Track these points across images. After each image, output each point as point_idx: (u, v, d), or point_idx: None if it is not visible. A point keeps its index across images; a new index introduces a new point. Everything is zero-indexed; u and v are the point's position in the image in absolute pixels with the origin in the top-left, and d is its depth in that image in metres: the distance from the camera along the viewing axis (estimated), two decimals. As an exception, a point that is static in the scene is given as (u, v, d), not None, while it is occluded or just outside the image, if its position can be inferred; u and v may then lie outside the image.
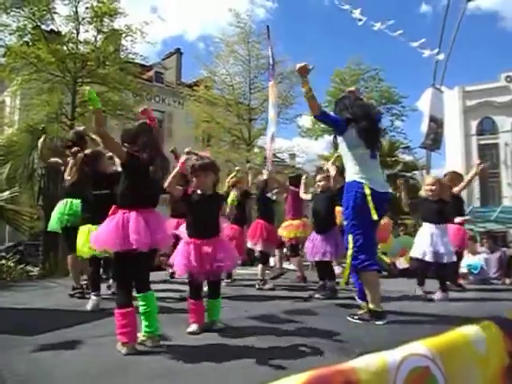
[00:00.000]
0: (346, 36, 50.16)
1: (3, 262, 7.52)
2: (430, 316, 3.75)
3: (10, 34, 15.59)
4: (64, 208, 4.55)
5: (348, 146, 3.75)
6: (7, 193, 7.39)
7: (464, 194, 7.44)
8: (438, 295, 4.80)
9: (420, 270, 5.08)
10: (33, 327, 3.12)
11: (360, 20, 8.81)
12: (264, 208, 6.04)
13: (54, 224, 4.61)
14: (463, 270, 7.03)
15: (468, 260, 7.17)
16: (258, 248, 5.86)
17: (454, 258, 4.95)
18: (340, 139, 3.83)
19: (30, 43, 15.72)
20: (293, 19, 57.01)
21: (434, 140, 11.86)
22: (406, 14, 56.79)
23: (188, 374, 2.20)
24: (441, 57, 10.45)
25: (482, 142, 34.04)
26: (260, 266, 5.84)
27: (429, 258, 4.82)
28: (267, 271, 6.19)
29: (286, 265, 8.07)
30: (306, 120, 23.58)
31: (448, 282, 5.58)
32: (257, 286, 5.67)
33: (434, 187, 5.01)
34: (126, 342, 2.51)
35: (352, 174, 3.70)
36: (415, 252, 5.03)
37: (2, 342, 2.72)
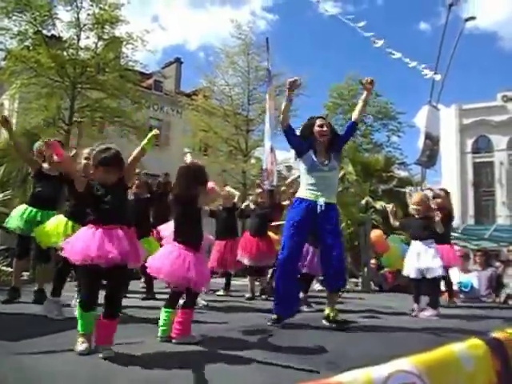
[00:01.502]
0: (344, 50, 50.87)
1: (-5, 265, 7.45)
2: (419, 332, 3.74)
3: (11, 38, 15.67)
4: (24, 213, 4.41)
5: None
6: (0, 195, 7.36)
7: (458, 212, 7.46)
8: (426, 313, 4.81)
9: (413, 287, 5.10)
10: (21, 332, 3.07)
11: (368, 35, 8.86)
12: (252, 221, 6.08)
13: (12, 222, 4.46)
14: (454, 287, 7.04)
15: (459, 278, 7.17)
16: (246, 262, 5.87)
17: (442, 272, 4.96)
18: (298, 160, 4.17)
19: (31, 48, 15.78)
20: (292, 31, 57.68)
21: (430, 157, 11.94)
22: (405, 30, 57.54)
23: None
24: (438, 77, 10.54)
25: (478, 160, 34.30)
26: (248, 277, 5.90)
27: (414, 274, 4.88)
28: (256, 283, 6.18)
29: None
30: (304, 133, 23.67)
31: (447, 299, 5.60)
32: (246, 296, 5.70)
33: (419, 207, 5.05)
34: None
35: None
36: (405, 270, 5.11)
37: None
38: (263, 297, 5.71)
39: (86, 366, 2.37)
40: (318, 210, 3.82)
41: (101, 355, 2.50)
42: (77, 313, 2.67)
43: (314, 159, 3.97)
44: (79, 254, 2.56)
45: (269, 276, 6.00)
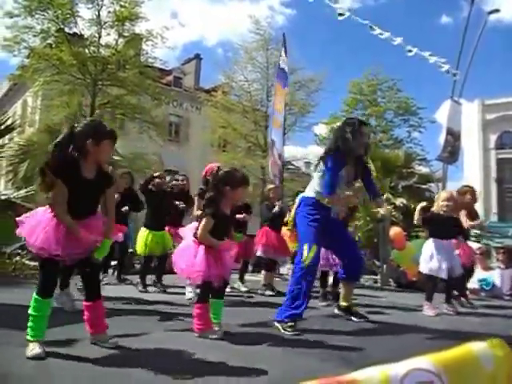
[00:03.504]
0: (364, 45, 50.33)
1: (17, 258, 7.61)
2: (437, 331, 3.69)
3: (34, 36, 15.94)
4: None
5: None
6: (23, 191, 7.51)
7: (481, 209, 7.34)
8: (445, 309, 4.76)
9: (430, 285, 5.00)
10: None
11: (381, 34, 8.77)
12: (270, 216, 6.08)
13: None
14: (474, 285, 6.92)
15: (480, 275, 7.04)
16: (259, 254, 5.88)
17: (461, 271, 4.90)
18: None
19: (53, 45, 16.03)
20: (311, 26, 57.24)
21: (451, 153, 11.72)
22: (426, 24, 56.61)
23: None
24: (457, 76, 10.34)
25: (501, 156, 33.54)
26: (263, 272, 5.92)
27: (440, 273, 4.76)
28: (276, 279, 6.20)
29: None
30: (322, 128, 23.57)
31: (462, 298, 5.50)
32: (259, 292, 5.71)
33: (449, 203, 4.95)
34: None
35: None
36: (424, 267, 4.97)
37: (7, 338, 2.74)
38: (270, 293, 5.68)
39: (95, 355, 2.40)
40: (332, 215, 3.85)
41: (107, 344, 2.55)
42: (31, 311, 2.46)
43: (343, 175, 3.73)
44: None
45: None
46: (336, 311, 4.11)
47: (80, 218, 2.52)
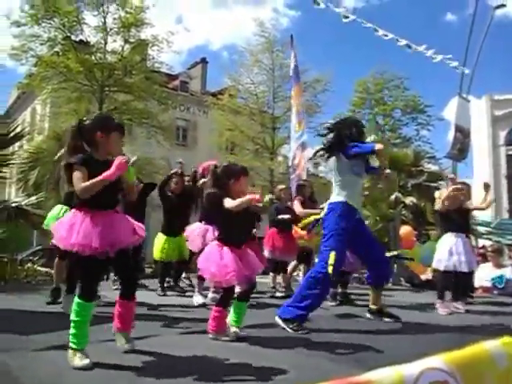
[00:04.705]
0: (369, 44, 50.09)
1: (29, 265, 7.69)
2: (450, 329, 3.66)
3: (41, 45, 16.09)
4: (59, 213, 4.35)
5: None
6: (34, 198, 7.58)
7: (492, 206, 7.28)
8: (458, 305, 4.72)
9: (443, 283, 4.96)
10: (49, 329, 3.15)
11: (386, 36, 8.76)
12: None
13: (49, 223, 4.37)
14: (487, 283, 6.86)
15: (492, 273, 6.98)
16: (266, 255, 5.87)
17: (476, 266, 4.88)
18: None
19: (60, 53, 16.17)
20: (315, 27, 57.08)
21: (461, 150, 11.66)
22: (431, 22, 56.22)
23: (194, 381, 2.19)
24: (466, 71, 10.28)
25: (511, 153, 33.22)
26: (271, 274, 5.92)
27: (462, 267, 4.71)
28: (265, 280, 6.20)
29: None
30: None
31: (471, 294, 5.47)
32: (269, 294, 5.73)
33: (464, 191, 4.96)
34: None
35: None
36: (441, 264, 4.90)
37: (19, 343, 2.77)
38: (280, 294, 5.66)
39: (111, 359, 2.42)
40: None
41: (126, 346, 2.58)
42: (74, 316, 2.40)
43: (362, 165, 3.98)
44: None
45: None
46: (368, 316, 4.08)
47: (104, 207, 2.52)
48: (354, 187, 3.92)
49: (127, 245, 2.55)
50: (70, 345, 2.37)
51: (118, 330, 2.65)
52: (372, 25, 8.26)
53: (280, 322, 3.51)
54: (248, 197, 2.98)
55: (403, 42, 8.26)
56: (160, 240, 5.64)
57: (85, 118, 2.66)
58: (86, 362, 2.30)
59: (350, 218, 3.77)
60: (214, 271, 2.98)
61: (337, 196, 3.88)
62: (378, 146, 3.63)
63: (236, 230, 3.09)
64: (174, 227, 5.57)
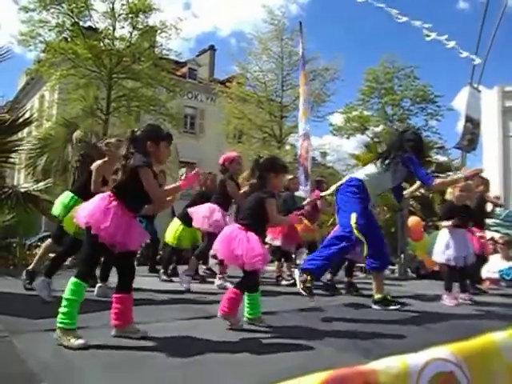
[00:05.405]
0: (379, 32, 49.36)
1: (37, 250, 7.75)
2: (457, 320, 3.65)
3: (50, 30, 16.10)
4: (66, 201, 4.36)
5: None
6: (42, 183, 7.62)
7: (501, 198, 7.22)
8: (463, 296, 4.71)
9: (449, 275, 4.94)
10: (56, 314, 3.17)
11: (398, 18, 8.62)
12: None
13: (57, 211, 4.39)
14: (494, 275, 6.83)
15: (501, 265, 6.95)
16: (277, 244, 5.88)
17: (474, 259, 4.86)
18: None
19: (69, 39, 16.16)
20: (325, 14, 56.35)
21: (470, 141, 11.50)
22: (443, 10, 55.30)
23: (202, 366, 2.20)
24: (477, 61, 10.10)
25: (521, 144, 32.88)
26: (276, 262, 5.93)
27: (458, 261, 4.71)
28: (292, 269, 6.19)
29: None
30: (338, 118, 23.38)
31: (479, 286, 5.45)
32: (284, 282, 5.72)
33: (463, 193, 4.89)
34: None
35: None
36: (439, 257, 4.88)
37: (28, 326, 2.79)
38: (286, 282, 5.68)
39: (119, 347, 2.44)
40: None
41: (138, 335, 2.58)
42: (68, 295, 2.44)
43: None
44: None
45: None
46: (374, 306, 4.05)
47: (133, 210, 2.68)
48: (381, 184, 4.14)
49: (137, 247, 2.81)
50: (61, 325, 2.39)
51: (118, 327, 2.63)
52: (384, 5, 8.15)
53: (297, 275, 3.72)
54: (291, 218, 3.84)
55: (417, 23, 8.13)
56: (176, 226, 5.70)
57: (136, 129, 2.88)
58: (82, 341, 2.34)
59: (363, 194, 3.96)
60: (240, 253, 2.95)
61: (359, 174, 4.12)
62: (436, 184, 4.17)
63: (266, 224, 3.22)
64: (190, 219, 5.59)
